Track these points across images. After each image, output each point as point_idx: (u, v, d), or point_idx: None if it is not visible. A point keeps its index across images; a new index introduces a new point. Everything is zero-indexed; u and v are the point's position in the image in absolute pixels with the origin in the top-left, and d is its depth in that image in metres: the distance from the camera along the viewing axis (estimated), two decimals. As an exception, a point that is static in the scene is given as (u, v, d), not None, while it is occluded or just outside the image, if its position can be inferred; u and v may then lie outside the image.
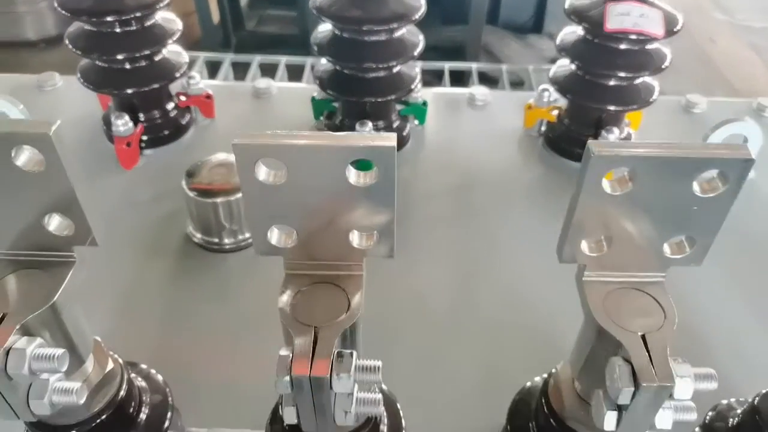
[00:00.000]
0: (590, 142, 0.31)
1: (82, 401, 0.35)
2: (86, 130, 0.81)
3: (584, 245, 0.35)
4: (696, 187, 0.31)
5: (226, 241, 0.65)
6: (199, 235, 0.65)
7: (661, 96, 0.78)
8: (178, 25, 0.74)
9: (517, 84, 1.37)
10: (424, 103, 0.82)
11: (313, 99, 0.81)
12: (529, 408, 0.45)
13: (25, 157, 0.32)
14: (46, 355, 0.33)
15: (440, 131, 0.85)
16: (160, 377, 0.47)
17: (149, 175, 0.75)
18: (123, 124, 0.72)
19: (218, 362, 0.55)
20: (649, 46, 0.70)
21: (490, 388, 0.49)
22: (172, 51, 0.77)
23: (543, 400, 0.42)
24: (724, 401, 0.47)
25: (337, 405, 0.33)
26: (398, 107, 0.81)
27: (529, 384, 0.47)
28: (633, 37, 0.66)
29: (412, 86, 0.75)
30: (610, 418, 0.34)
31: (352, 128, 0.73)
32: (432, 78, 1.19)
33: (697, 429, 0.48)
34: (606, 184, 0.31)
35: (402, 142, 0.81)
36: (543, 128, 0.82)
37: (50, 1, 1.91)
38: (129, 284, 0.62)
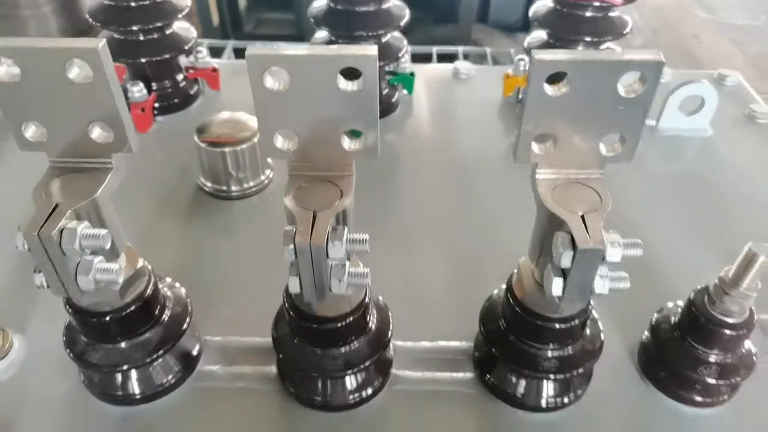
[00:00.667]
0: (534, 51, 0.38)
1: (120, 280, 0.42)
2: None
3: (534, 146, 0.42)
4: (620, 88, 0.39)
5: (233, 188, 0.72)
6: (209, 184, 0.72)
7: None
8: (187, 1, 0.82)
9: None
10: (412, 74, 0.90)
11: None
12: (497, 310, 0.52)
13: (76, 70, 0.39)
14: (92, 234, 0.40)
15: (427, 100, 0.93)
16: (183, 289, 0.54)
17: (162, 138, 0.82)
18: (138, 90, 0.79)
19: (227, 284, 0.62)
20: (611, 14, 0.77)
21: (466, 303, 0.56)
22: (182, 27, 0.84)
23: (508, 295, 0.49)
24: (670, 303, 0.55)
25: (333, 274, 0.41)
26: (387, 77, 0.88)
27: (496, 291, 0.54)
28: (596, 4, 0.74)
29: (400, 54, 0.82)
30: (557, 284, 0.41)
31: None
32: (421, 61, 1.26)
33: (645, 332, 0.56)
34: (547, 88, 0.39)
35: (391, 108, 0.88)
36: (520, 95, 0.90)
37: (53, 5, 1.99)
38: (147, 227, 0.69)
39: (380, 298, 0.52)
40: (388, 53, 0.81)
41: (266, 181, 0.74)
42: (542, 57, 0.37)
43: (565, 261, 0.39)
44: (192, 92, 0.88)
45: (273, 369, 0.54)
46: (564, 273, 0.41)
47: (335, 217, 0.40)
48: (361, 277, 0.42)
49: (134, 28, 0.77)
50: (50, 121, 0.41)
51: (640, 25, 3.35)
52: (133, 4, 0.77)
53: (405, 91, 0.91)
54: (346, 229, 0.39)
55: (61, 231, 0.39)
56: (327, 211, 0.40)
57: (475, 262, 0.64)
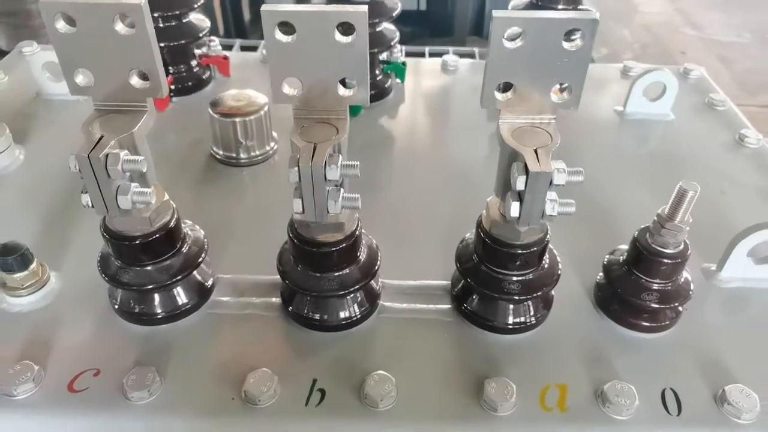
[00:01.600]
0: (494, 11, 0.47)
1: (152, 201, 0.51)
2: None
3: (498, 95, 0.51)
4: (564, 43, 0.47)
5: (242, 155, 0.80)
6: (221, 152, 0.81)
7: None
8: (202, -6, 0.91)
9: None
10: (404, 63, 0.99)
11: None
12: (469, 248, 0.60)
13: (121, 24, 0.48)
14: (132, 159, 0.48)
15: (417, 88, 1.02)
16: (200, 231, 0.62)
17: (177, 116, 0.91)
18: (156, 72, 0.88)
19: (236, 235, 0.71)
20: (580, 7, 0.87)
21: (444, 249, 0.64)
22: (197, 17, 0.94)
23: (478, 229, 0.57)
24: (620, 246, 0.63)
25: (329, 196, 0.49)
26: (381, 65, 0.98)
27: (468, 234, 0.62)
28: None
29: (392, 43, 0.91)
30: (514, 207, 0.49)
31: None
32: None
33: (600, 274, 0.64)
34: (505, 42, 0.48)
35: (385, 93, 0.97)
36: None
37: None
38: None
39: (371, 237, 0.61)
40: (381, 41, 0.90)
41: (271, 151, 0.83)
42: (500, 14, 0.46)
43: (520, 184, 0.48)
44: (205, 77, 0.97)
45: (277, 300, 0.62)
46: (520, 197, 0.49)
47: (332, 148, 0.49)
48: (353, 201, 0.50)
49: (155, 15, 0.86)
50: (97, 68, 0.50)
51: (629, 41, 3.48)
52: (154, -6, 0.86)
53: (398, 80, 1.00)
54: (341, 156, 0.48)
55: (107, 155, 0.48)
56: (325, 143, 0.49)
57: (454, 218, 0.72)
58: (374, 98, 0.94)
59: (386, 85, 0.97)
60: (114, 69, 0.50)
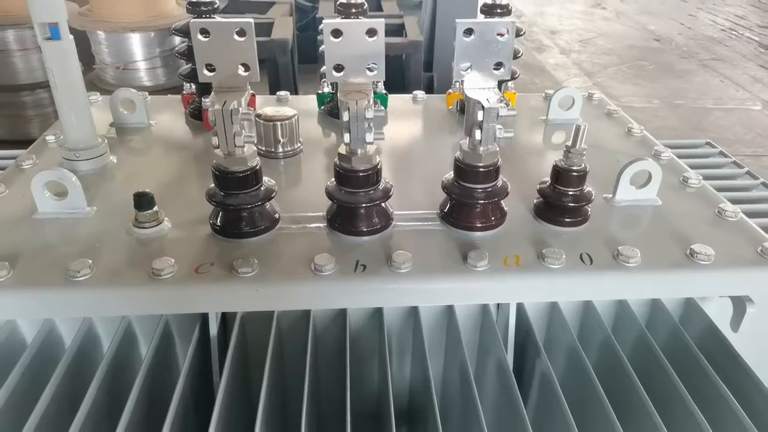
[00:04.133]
0: (457, 19, 0.82)
1: (254, 140, 0.81)
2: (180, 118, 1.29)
3: (462, 73, 0.85)
4: (498, 37, 0.82)
5: (280, 150, 1.11)
6: (263, 148, 1.12)
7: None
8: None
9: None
10: (386, 94, 1.34)
11: (318, 94, 1.32)
12: (450, 178, 0.92)
13: (237, 35, 0.80)
14: (245, 113, 0.79)
15: (395, 112, 1.36)
16: (272, 181, 0.92)
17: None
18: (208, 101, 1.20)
19: (281, 197, 1.00)
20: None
21: (434, 195, 0.95)
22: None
23: (455, 161, 0.89)
24: (547, 178, 0.96)
25: (368, 129, 0.81)
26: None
27: (447, 174, 0.94)
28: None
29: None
30: (476, 133, 0.82)
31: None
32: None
33: (536, 199, 0.96)
34: (464, 37, 0.82)
35: (374, 114, 1.31)
36: (458, 106, 1.35)
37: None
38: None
39: (387, 180, 0.92)
40: (371, 74, 1.25)
41: (298, 148, 1.14)
42: (461, 21, 0.81)
43: (479, 116, 0.81)
44: (238, 108, 1.29)
45: (321, 224, 0.92)
46: (481, 127, 0.82)
47: (368, 101, 0.81)
48: (380, 135, 0.82)
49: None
50: (219, 63, 0.82)
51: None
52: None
53: (381, 106, 1.35)
54: (372, 105, 0.80)
55: (231, 109, 0.78)
56: (365, 99, 0.81)
57: (432, 175, 1.04)
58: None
59: (374, 108, 1.31)
60: (228, 63, 0.82)
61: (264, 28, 3.12)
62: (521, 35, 1.27)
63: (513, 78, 1.30)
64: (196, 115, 1.27)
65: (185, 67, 1.26)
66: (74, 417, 0.69)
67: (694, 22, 6.69)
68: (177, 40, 3.50)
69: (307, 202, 0.97)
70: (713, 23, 6.63)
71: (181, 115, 1.31)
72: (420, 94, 1.43)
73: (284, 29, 3.07)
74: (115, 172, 1.08)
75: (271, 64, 2.95)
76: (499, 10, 1.22)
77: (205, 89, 1.23)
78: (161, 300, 0.80)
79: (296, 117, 1.12)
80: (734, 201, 1.02)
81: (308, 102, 1.37)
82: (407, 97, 1.45)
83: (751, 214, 1.00)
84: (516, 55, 1.27)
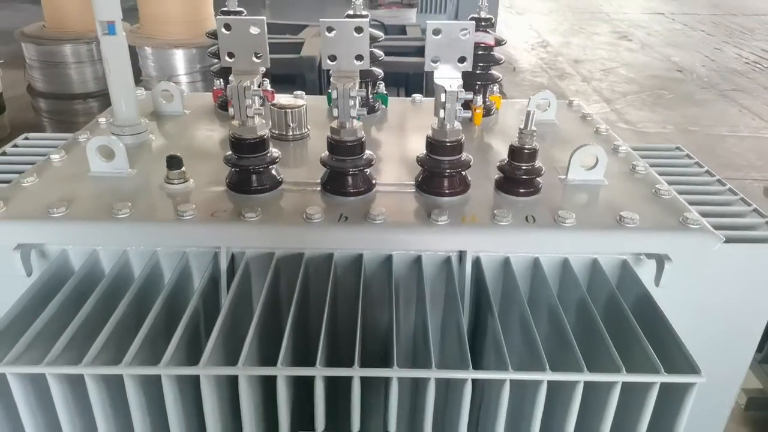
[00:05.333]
0: (427, 20, 1.02)
1: (263, 113, 1.02)
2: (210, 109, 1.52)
3: (432, 64, 1.05)
4: (460, 35, 1.02)
5: (290, 134, 1.32)
6: (276, 131, 1.33)
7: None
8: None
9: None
10: (386, 94, 1.54)
11: (328, 93, 1.53)
12: (423, 154, 1.11)
13: (253, 28, 1.01)
14: (255, 90, 1.00)
15: (393, 112, 1.57)
16: (278, 152, 1.12)
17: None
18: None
19: (287, 165, 1.21)
20: (492, 52, 1.44)
21: (411, 168, 1.14)
22: (255, 65, 1.49)
23: (427, 139, 1.08)
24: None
25: (352, 106, 1.01)
26: (373, 94, 1.52)
27: (421, 152, 1.13)
28: (482, 45, 1.41)
29: (379, 79, 1.47)
30: (442, 112, 1.01)
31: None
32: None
33: (497, 175, 1.14)
34: (433, 36, 1.02)
35: (374, 110, 1.51)
36: (450, 106, 1.54)
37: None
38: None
39: (371, 152, 1.11)
40: (371, 76, 1.45)
41: (306, 133, 1.35)
42: (431, 22, 1.01)
43: (443, 98, 1.00)
44: (258, 102, 1.51)
45: (318, 188, 1.11)
46: (443, 107, 1.01)
47: (353, 84, 1.01)
48: (362, 111, 1.02)
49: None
50: (237, 51, 1.03)
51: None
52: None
53: (383, 105, 1.55)
54: (357, 87, 1.00)
55: (244, 87, 1.00)
56: (352, 82, 1.01)
57: (411, 154, 1.23)
58: (369, 112, 1.48)
59: (375, 106, 1.52)
60: (245, 51, 1.03)
61: (295, 47, 3.38)
62: (503, 44, 1.47)
63: (496, 81, 1.50)
64: (224, 107, 1.49)
65: (216, 64, 1.48)
66: (104, 327, 0.89)
67: (719, 54, 6.80)
68: (215, 57, 3.80)
69: (308, 174, 1.16)
70: (738, 56, 6.73)
71: (212, 107, 1.54)
72: (418, 97, 1.63)
73: (313, 48, 3.32)
74: (152, 147, 1.30)
75: (300, 78, 3.21)
76: (483, 23, 1.43)
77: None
78: (183, 235, 1.00)
79: (305, 107, 1.33)
80: (685, 192, 1.19)
81: (320, 101, 1.59)
82: (407, 99, 1.65)
83: (696, 203, 1.16)
84: (498, 62, 1.47)
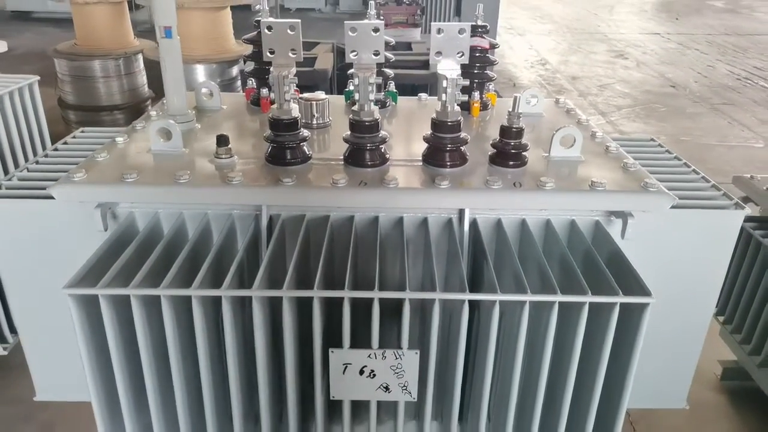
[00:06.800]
0: (432, 23, 1.25)
1: (296, 97, 1.24)
2: (244, 105, 1.75)
3: (437, 57, 1.27)
4: (458, 35, 1.25)
5: (314, 122, 1.55)
6: (303, 120, 1.55)
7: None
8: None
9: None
10: (396, 92, 1.77)
11: (345, 91, 1.76)
12: (429, 133, 1.33)
13: (291, 30, 1.25)
14: (291, 78, 1.23)
15: (402, 108, 1.80)
16: (308, 132, 1.35)
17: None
18: (265, 93, 1.65)
19: (314, 149, 1.44)
20: (488, 54, 1.67)
21: (417, 149, 1.37)
22: (282, 67, 1.73)
23: (432, 120, 1.31)
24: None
25: (371, 91, 1.23)
26: (384, 91, 1.75)
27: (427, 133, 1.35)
28: (479, 48, 1.64)
29: (389, 78, 1.70)
30: (444, 96, 1.24)
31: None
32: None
33: (490, 152, 1.37)
34: (437, 34, 1.25)
35: (385, 106, 1.74)
36: (451, 103, 1.77)
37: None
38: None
39: (386, 132, 1.34)
40: (382, 77, 1.68)
41: (328, 122, 1.58)
42: (435, 24, 1.24)
43: (445, 84, 1.23)
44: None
45: (341, 162, 1.34)
46: (445, 91, 1.24)
47: (372, 73, 1.24)
48: (381, 96, 1.24)
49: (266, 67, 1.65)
50: (277, 48, 1.27)
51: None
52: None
53: (393, 102, 1.78)
54: (374, 76, 1.23)
55: (283, 75, 1.23)
56: (370, 72, 1.24)
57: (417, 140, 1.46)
58: (381, 107, 1.71)
59: (387, 102, 1.75)
60: (283, 48, 1.27)
61: (309, 62, 3.64)
62: (496, 47, 1.70)
63: (491, 80, 1.73)
64: (256, 103, 1.72)
65: (250, 66, 1.72)
66: (165, 277, 1.11)
67: (712, 71, 7.06)
68: (234, 71, 4.07)
69: (332, 152, 1.38)
70: (730, 73, 6.99)
71: (245, 103, 1.77)
72: (423, 95, 1.87)
73: (325, 62, 3.58)
74: (198, 133, 1.53)
75: (314, 89, 3.47)
76: (479, 30, 1.66)
77: (261, 82, 1.69)
78: (232, 196, 1.22)
79: (327, 100, 1.56)
80: (653, 172, 1.40)
81: (338, 99, 1.82)
82: (414, 98, 1.89)
83: (661, 180, 1.38)
84: (493, 63, 1.70)
